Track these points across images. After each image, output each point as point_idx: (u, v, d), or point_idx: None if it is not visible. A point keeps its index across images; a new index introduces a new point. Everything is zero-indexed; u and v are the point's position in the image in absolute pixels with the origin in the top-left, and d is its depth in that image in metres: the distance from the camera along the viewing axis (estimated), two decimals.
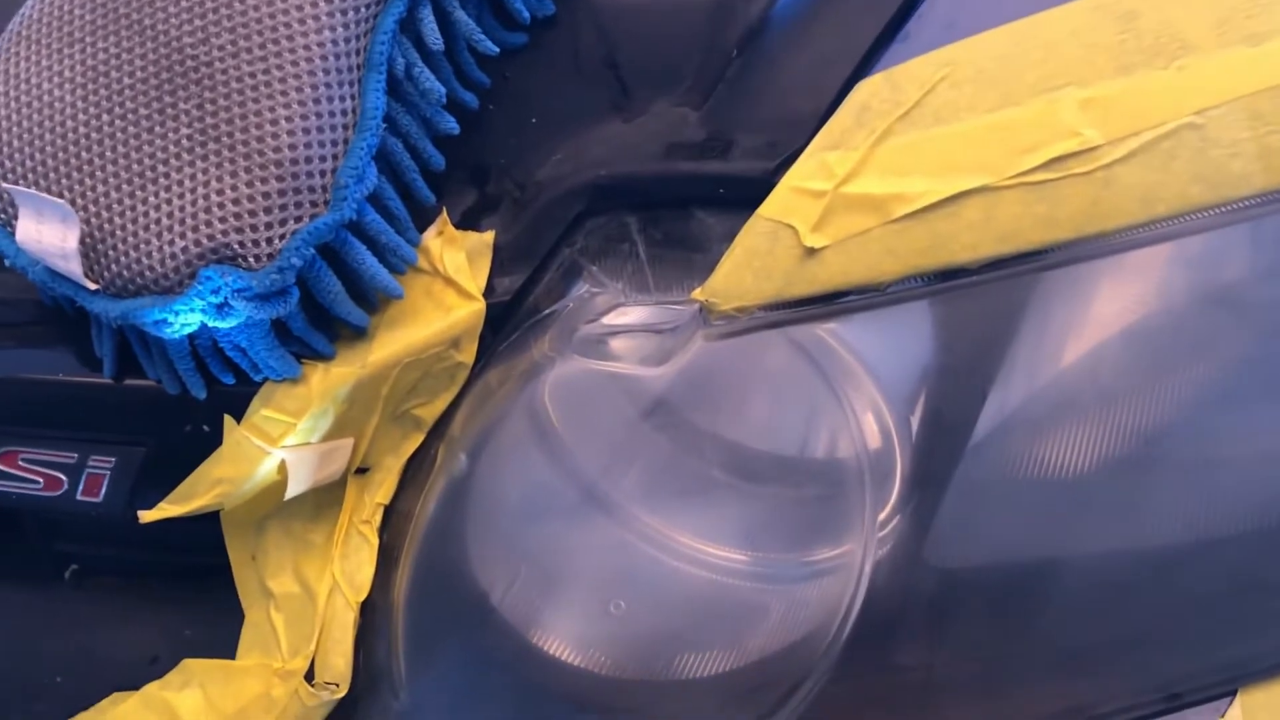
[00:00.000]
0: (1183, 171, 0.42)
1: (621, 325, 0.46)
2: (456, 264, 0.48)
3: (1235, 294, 0.44)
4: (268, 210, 0.42)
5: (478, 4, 0.48)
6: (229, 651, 0.50)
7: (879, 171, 0.43)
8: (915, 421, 0.45)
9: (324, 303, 0.45)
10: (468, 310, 0.48)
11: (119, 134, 0.44)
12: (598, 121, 0.49)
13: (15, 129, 0.45)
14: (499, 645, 0.47)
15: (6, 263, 0.46)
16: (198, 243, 0.42)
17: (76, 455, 0.49)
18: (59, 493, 0.49)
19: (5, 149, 0.45)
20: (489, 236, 0.49)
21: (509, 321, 0.49)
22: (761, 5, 0.48)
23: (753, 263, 0.43)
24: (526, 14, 0.48)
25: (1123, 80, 0.42)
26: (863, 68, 0.45)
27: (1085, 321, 0.44)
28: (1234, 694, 0.45)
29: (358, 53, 0.45)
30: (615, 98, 0.49)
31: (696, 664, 0.46)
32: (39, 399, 0.50)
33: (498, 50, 0.48)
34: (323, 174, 0.43)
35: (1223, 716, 0.45)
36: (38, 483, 0.49)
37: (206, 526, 0.49)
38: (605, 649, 0.47)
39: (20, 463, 0.49)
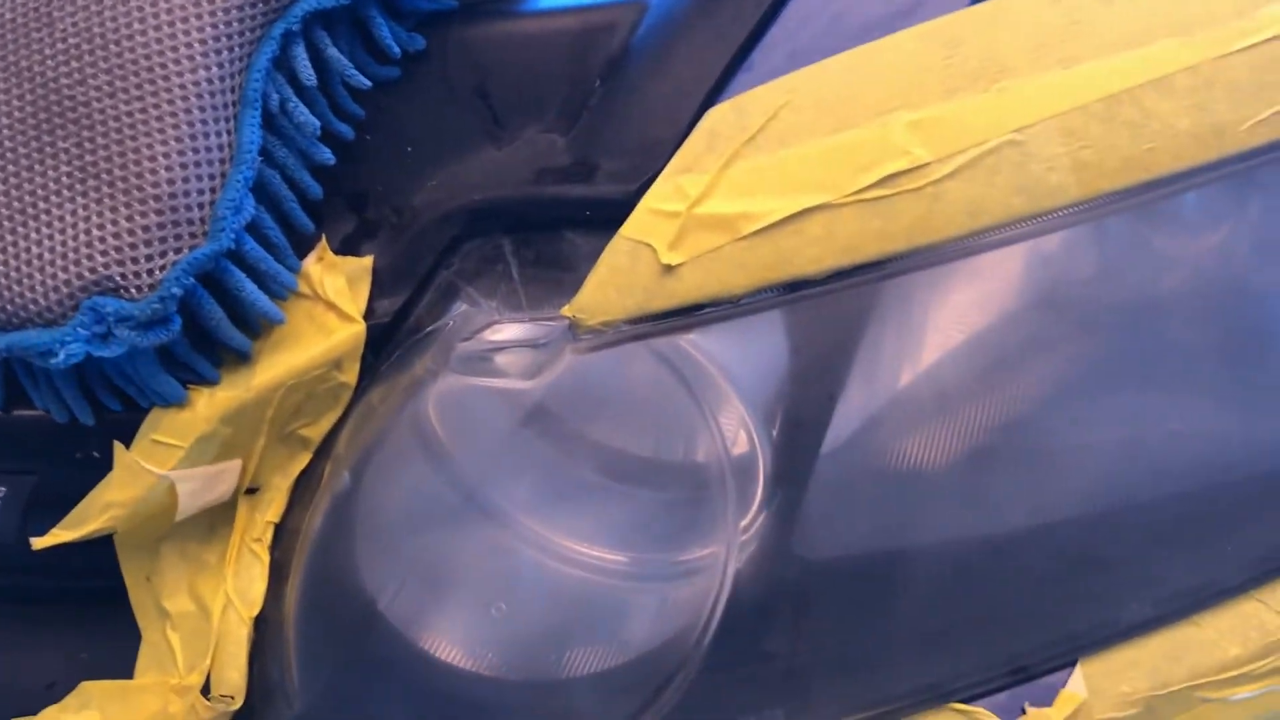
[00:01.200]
0: (1005, 185, 0.46)
1: (497, 342, 0.49)
2: (337, 288, 0.50)
3: (1056, 295, 0.48)
4: (148, 243, 0.44)
5: (350, 39, 0.51)
6: (127, 673, 0.52)
7: (728, 193, 0.46)
8: (775, 425, 0.48)
9: (207, 329, 0.47)
10: (349, 332, 0.50)
11: None
12: (471, 148, 0.52)
13: None
14: (387, 651, 0.49)
15: None
16: (80, 275, 0.44)
17: None
18: None
19: None
20: (368, 261, 0.51)
21: (390, 341, 0.51)
22: (622, 36, 0.51)
23: (616, 280, 0.46)
24: (397, 49, 0.51)
25: (948, 102, 0.46)
26: (713, 95, 0.48)
27: (923, 326, 0.48)
28: (1074, 664, 0.49)
29: (233, 90, 0.46)
30: (487, 125, 0.52)
31: (577, 662, 0.49)
32: None
33: (370, 84, 0.50)
34: (201, 206, 0.45)
35: (1065, 687, 0.49)
36: None
37: (100, 551, 0.50)
38: (489, 651, 0.49)
39: None
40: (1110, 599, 0.49)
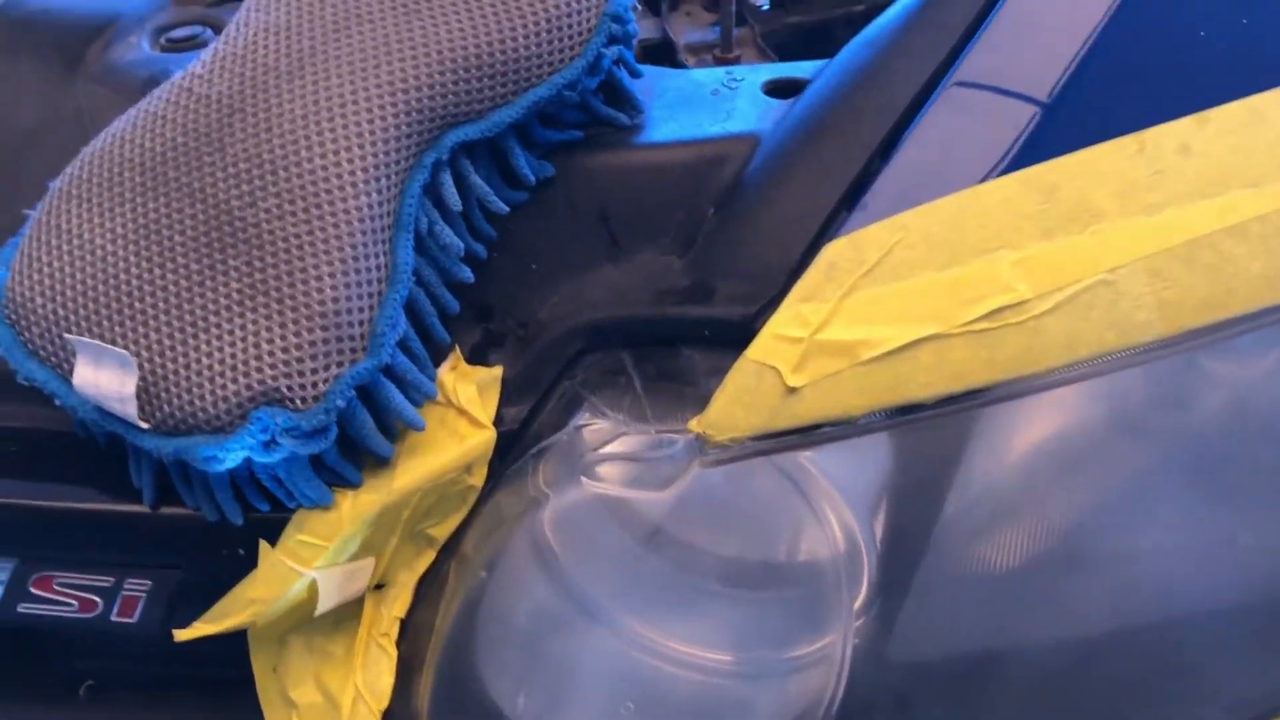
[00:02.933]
0: (1099, 320, 0.50)
1: (623, 453, 0.52)
2: (469, 396, 0.53)
3: (1140, 421, 0.52)
4: (313, 357, 0.47)
5: (487, 167, 0.55)
6: None
7: (847, 321, 0.50)
8: (879, 534, 0.51)
9: (355, 436, 0.50)
10: (480, 438, 0.53)
11: (171, 287, 0.49)
12: (591, 268, 0.55)
13: (70, 281, 0.50)
14: None
15: (57, 403, 0.50)
16: (249, 387, 0.47)
17: (113, 579, 0.52)
18: (93, 614, 0.53)
19: (60, 300, 0.49)
20: (497, 370, 0.54)
21: (515, 447, 0.54)
22: (735, 168, 0.55)
23: (743, 399, 0.49)
24: (532, 176, 0.54)
25: (1046, 243, 0.50)
26: (825, 229, 0.52)
27: (1020, 447, 0.51)
28: None
29: (389, 214, 0.50)
30: (606, 247, 0.56)
31: None
32: (73, 525, 0.53)
33: (507, 209, 0.54)
34: (361, 323, 0.48)
35: None
36: (72, 605, 0.53)
37: (226, 641, 0.53)
38: None
39: (55, 586, 0.53)
40: (1189, 704, 0.52)
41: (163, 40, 0.65)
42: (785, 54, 0.75)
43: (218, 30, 0.66)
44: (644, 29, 0.76)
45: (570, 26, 0.53)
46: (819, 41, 0.76)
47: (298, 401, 0.47)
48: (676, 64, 0.76)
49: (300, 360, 0.47)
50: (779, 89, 0.59)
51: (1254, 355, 0.53)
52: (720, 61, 0.73)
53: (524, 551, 0.52)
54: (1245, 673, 0.53)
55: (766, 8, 0.76)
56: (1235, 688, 0.53)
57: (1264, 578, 0.54)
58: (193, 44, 0.64)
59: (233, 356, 0.47)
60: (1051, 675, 0.52)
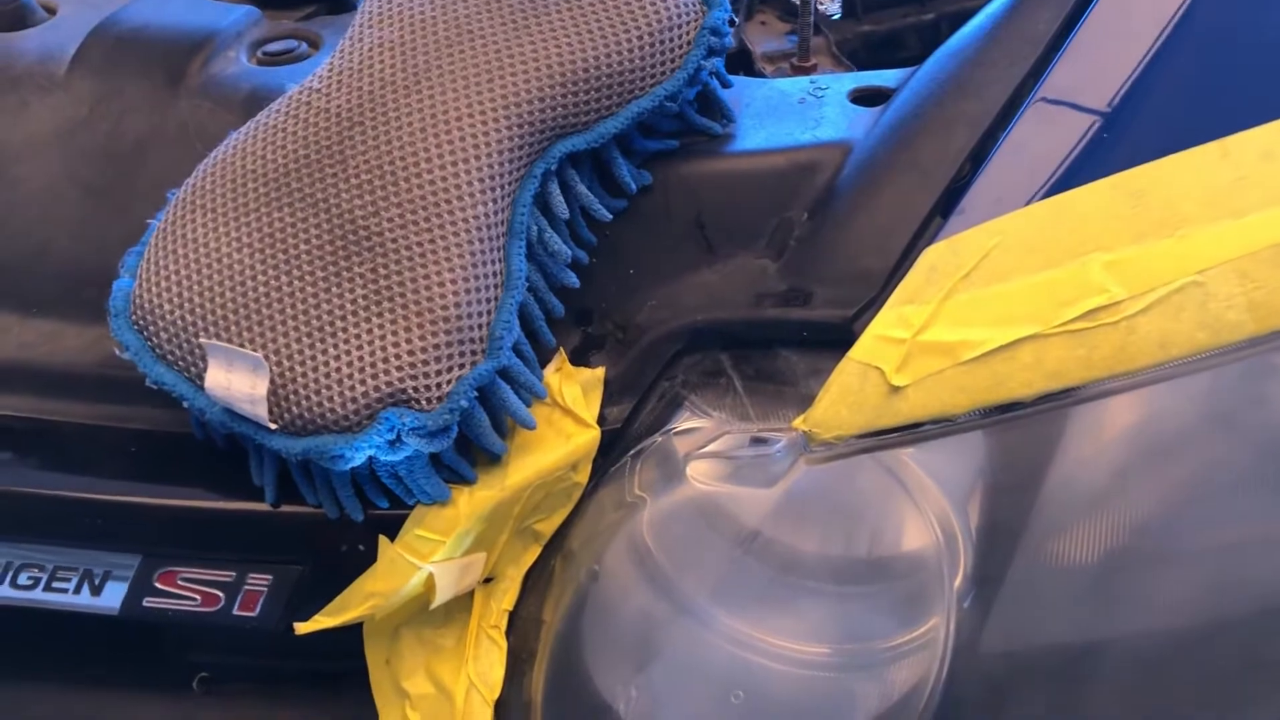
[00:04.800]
0: (1190, 320, 0.51)
1: (726, 451, 0.54)
2: (574, 396, 0.55)
3: (1232, 416, 0.54)
4: (437, 360, 0.49)
5: (590, 175, 0.56)
6: None
7: (948, 322, 0.51)
8: (975, 528, 0.53)
9: (472, 435, 0.52)
10: (586, 437, 0.55)
11: (298, 293, 0.50)
12: (687, 272, 0.57)
13: (197, 287, 0.52)
14: None
15: (185, 405, 0.52)
16: (377, 388, 0.49)
17: (234, 574, 0.54)
18: (215, 609, 0.54)
19: (188, 306, 0.51)
20: (600, 372, 0.56)
21: (617, 446, 0.56)
22: (827, 175, 0.57)
23: (847, 399, 0.51)
24: (634, 185, 0.56)
25: (1137, 246, 0.52)
26: (920, 233, 0.54)
27: (1115, 442, 0.53)
28: None
29: (503, 223, 0.52)
30: (702, 252, 0.58)
31: None
32: (195, 523, 0.55)
33: (610, 217, 0.56)
34: (480, 327, 0.50)
35: None
36: (195, 599, 0.55)
37: (339, 634, 0.55)
38: None
39: (179, 582, 0.55)
40: (1275, 695, 0.54)
41: (259, 54, 0.67)
42: (856, 61, 0.77)
43: (311, 43, 0.68)
44: None
45: (672, 40, 0.55)
46: (889, 49, 0.78)
47: (423, 402, 0.49)
48: (753, 72, 0.77)
49: (425, 363, 0.49)
50: (865, 97, 0.61)
51: None
52: (798, 70, 0.74)
53: (626, 552, 0.54)
54: None
55: (838, 16, 0.78)
56: None
57: None
58: (289, 57, 0.66)
59: (360, 359, 0.49)
60: (1144, 667, 0.53)
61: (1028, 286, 0.52)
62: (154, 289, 0.52)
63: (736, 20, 0.78)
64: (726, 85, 0.60)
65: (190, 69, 0.65)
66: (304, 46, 0.67)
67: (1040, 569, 0.53)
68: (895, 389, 0.51)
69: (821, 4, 0.78)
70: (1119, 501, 0.53)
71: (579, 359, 0.57)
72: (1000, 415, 0.52)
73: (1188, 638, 0.53)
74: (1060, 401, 0.52)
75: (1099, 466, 0.53)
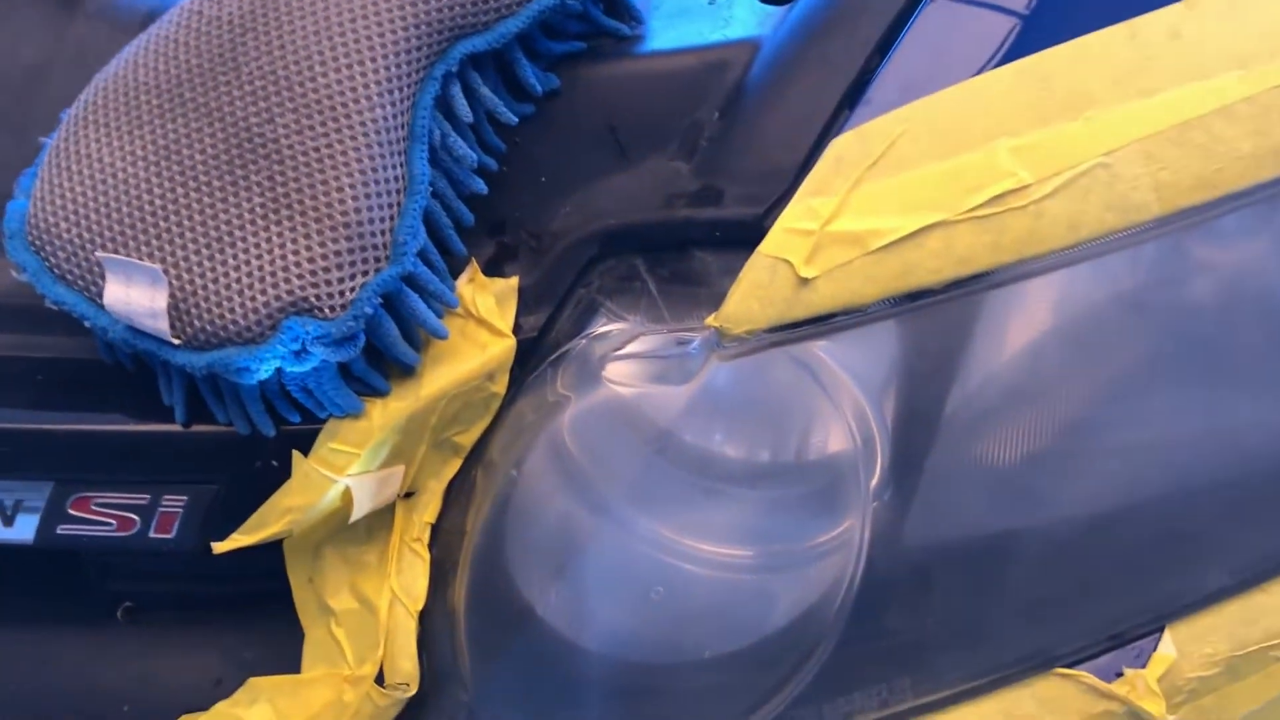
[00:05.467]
0: (1098, 202, 0.51)
1: (642, 351, 0.53)
2: (487, 306, 0.55)
3: (1141, 298, 0.54)
4: (339, 266, 0.48)
5: (494, 80, 0.55)
6: (290, 669, 0.55)
7: (856, 212, 0.51)
8: (891, 419, 0.53)
9: (381, 346, 0.51)
10: (501, 346, 0.54)
11: (195, 205, 0.49)
12: (600, 177, 0.57)
13: (93, 204, 0.50)
14: (546, 645, 0.53)
15: (86, 324, 0.51)
16: (278, 297, 0.48)
17: (149, 496, 0.54)
18: (131, 532, 0.54)
19: (85, 223, 0.50)
20: (514, 281, 0.55)
21: (535, 354, 0.56)
22: (736, 74, 0.56)
23: (757, 293, 0.51)
24: (539, 87, 0.55)
25: (1044, 130, 0.52)
26: (830, 126, 0.53)
27: (1027, 328, 0.53)
28: (1163, 630, 0.54)
29: (403, 126, 0.51)
30: (614, 156, 0.57)
31: (723, 644, 0.53)
32: (107, 447, 0.54)
33: (516, 120, 0.55)
34: (383, 233, 0.49)
35: (1156, 650, 0.54)
36: (111, 524, 0.54)
37: (260, 555, 0.54)
38: (639, 640, 0.54)
39: (93, 507, 0.54)
40: (1192, 569, 0.55)
41: None
42: None
43: None
44: None
45: None
46: None
47: (326, 310, 0.48)
48: None
49: (327, 270, 0.48)
50: None
51: (1246, 236, 0.55)
52: None
53: (546, 455, 0.54)
54: (1248, 537, 0.55)
55: None
56: (1236, 552, 0.55)
57: (1260, 449, 0.56)
58: None
59: (260, 269, 0.48)
60: (1062, 549, 0.54)
61: (935, 173, 0.51)
62: (49, 207, 0.51)
63: None
64: None
65: None
66: None
67: (958, 458, 0.53)
68: (805, 281, 0.51)
69: None
70: (1034, 387, 0.54)
71: (493, 270, 0.57)
72: (910, 304, 0.52)
73: (1103, 519, 0.54)
74: (970, 288, 0.52)
75: (1013, 352, 0.53)
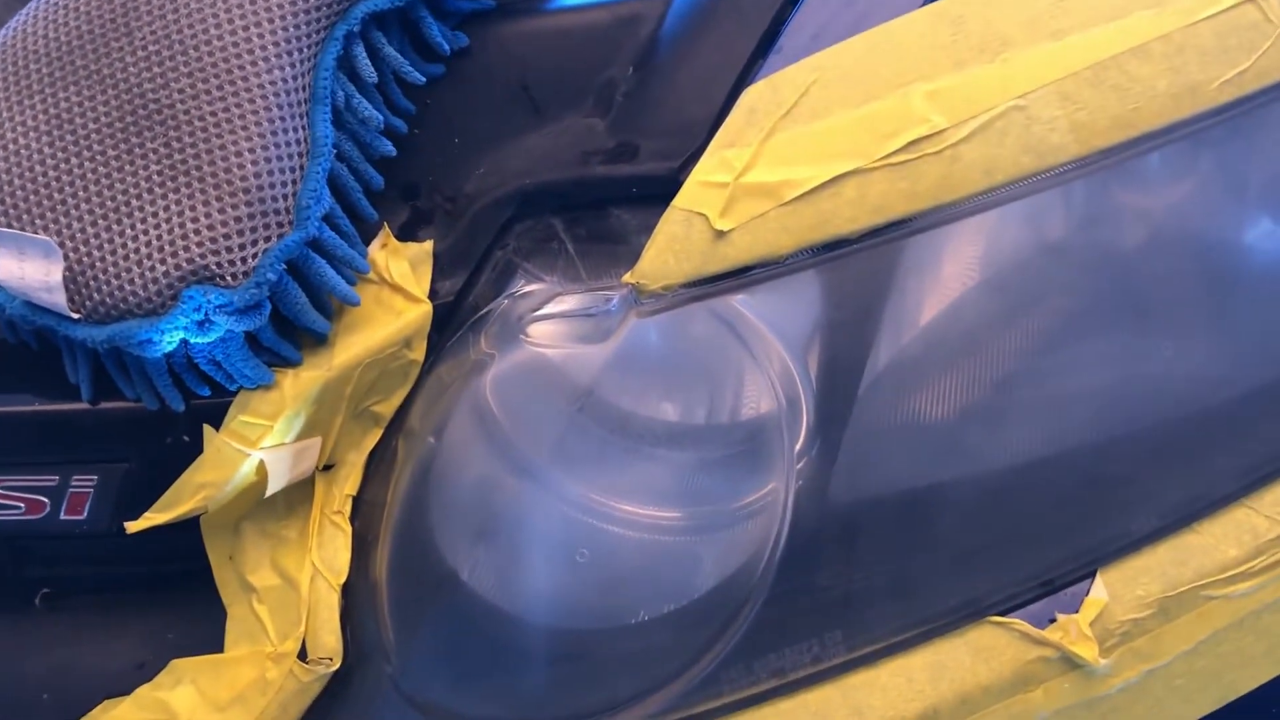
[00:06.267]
0: (1014, 145, 0.51)
1: (561, 311, 0.52)
2: (401, 271, 0.54)
3: (1062, 242, 0.53)
4: (240, 233, 0.47)
5: (400, 40, 0.54)
6: (214, 649, 0.54)
7: (770, 163, 0.50)
8: (814, 372, 0.53)
9: (289, 314, 0.50)
10: (416, 313, 0.53)
11: (89, 174, 0.48)
12: (515, 136, 0.55)
13: None
14: (471, 613, 0.52)
15: None
16: (178, 266, 0.47)
17: (58, 477, 0.52)
18: (41, 515, 0.52)
19: None
20: (428, 245, 0.54)
21: (453, 319, 0.54)
22: (650, 26, 0.56)
23: (673, 247, 0.50)
24: (446, 46, 0.54)
25: (958, 73, 0.51)
26: (744, 77, 0.53)
27: (944, 277, 0.53)
28: (1095, 574, 0.54)
29: (304, 89, 0.50)
30: (528, 115, 0.56)
31: (650, 606, 0.52)
32: (10, 428, 0.53)
33: (424, 80, 0.54)
34: (285, 198, 0.48)
35: (1089, 594, 0.54)
36: (19, 507, 0.52)
37: (178, 535, 0.53)
38: (563, 609, 0.53)
39: (0, 490, 0.52)
40: (1121, 514, 0.55)
41: None
42: None
43: None
44: None
45: None
46: None
47: (228, 278, 0.47)
48: None
49: (227, 237, 0.47)
50: None
51: (1163, 175, 0.54)
52: None
53: (467, 418, 0.53)
54: (1174, 480, 0.55)
55: None
56: (1164, 494, 0.55)
57: (1188, 390, 0.56)
58: None
59: (159, 238, 0.47)
60: (990, 498, 0.54)
61: (849, 121, 0.51)
62: None
63: None
64: None
65: None
66: None
67: (883, 410, 0.53)
68: (720, 234, 0.50)
69: None
70: (957, 335, 0.53)
71: (408, 234, 0.55)
72: (828, 254, 0.51)
73: (1031, 467, 0.53)
74: (888, 236, 0.51)
75: (934, 301, 0.53)
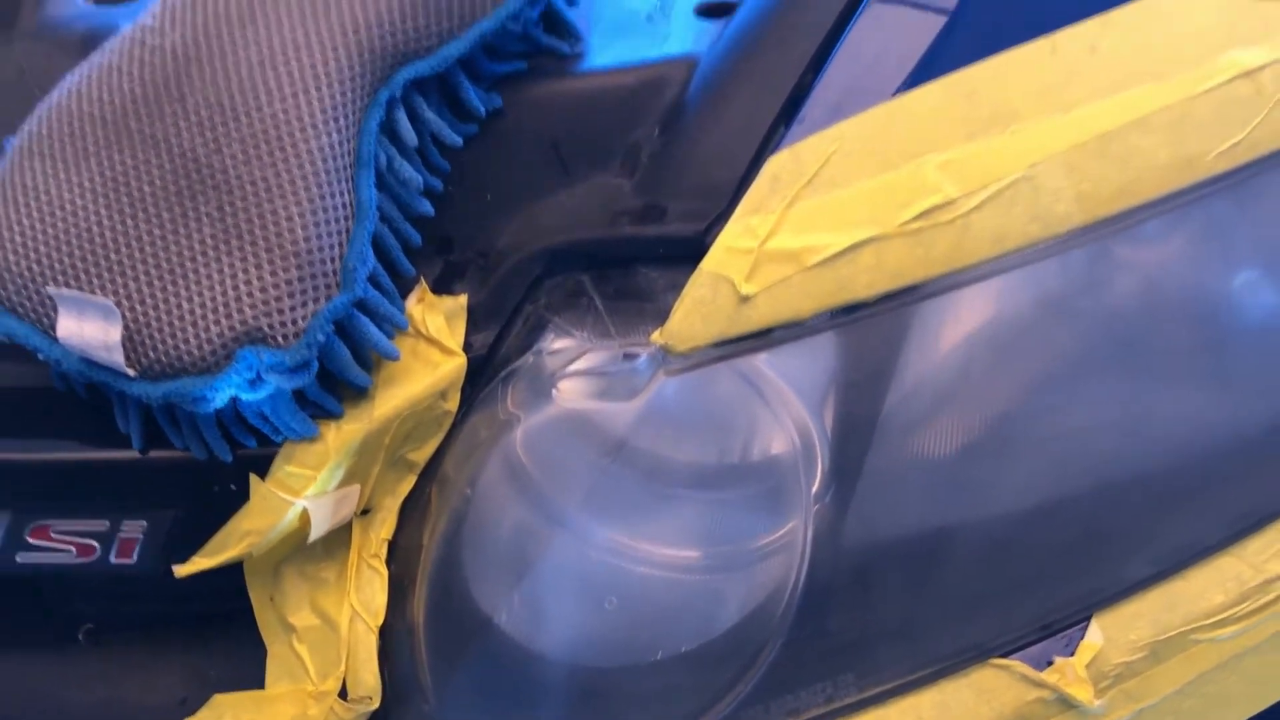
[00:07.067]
0: (1022, 214, 0.54)
1: (589, 369, 0.55)
2: (437, 325, 0.56)
3: (1064, 303, 0.56)
4: (290, 295, 0.49)
5: (438, 102, 0.56)
6: (254, 686, 0.57)
7: (792, 230, 0.53)
8: (830, 426, 0.55)
9: (334, 370, 0.52)
10: (452, 365, 0.55)
11: (145, 237, 0.50)
12: (545, 194, 0.58)
13: (42, 237, 0.51)
14: (504, 654, 0.55)
15: (40, 357, 0.51)
16: (232, 327, 0.49)
17: (108, 523, 0.54)
18: (92, 559, 0.55)
19: (35, 256, 0.51)
20: (463, 299, 0.57)
21: (485, 371, 0.57)
22: (674, 92, 0.58)
23: (700, 310, 0.53)
24: (482, 109, 0.57)
25: (970, 145, 0.54)
26: (766, 143, 0.55)
27: (958, 336, 0.55)
28: (1090, 619, 0.57)
29: (349, 153, 0.52)
30: (558, 174, 0.58)
31: (675, 644, 0.55)
32: (64, 475, 0.55)
33: (460, 142, 0.56)
34: (333, 260, 0.50)
35: (1084, 638, 0.57)
36: (70, 551, 0.55)
37: (220, 576, 0.55)
38: (590, 648, 0.56)
39: (52, 535, 0.54)
40: (1116, 561, 0.58)
41: None
42: None
43: None
44: None
45: None
46: None
47: (279, 339, 0.49)
48: None
49: (279, 299, 0.49)
50: (710, 11, 0.62)
51: (1162, 239, 0.57)
52: None
53: (500, 471, 0.55)
54: (1166, 530, 0.58)
55: None
56: (1157, 543, 0.58)
57: (1178, 444, 0.59)
58: None
59: (213, 299, 0.49)
60: (995, 546, 0.57)
61: (867, 190, 0.53)
62: None
63: None
64: (572, 3, 0.61)
65: (23, 11, 0.63)
66: None
67: (894, 461, 0.56)
68: (745, 298, 0.53)
69: None
70: (965, 392, 0.56)
71: (442, 288, 0.58)
72: (846, 317, 0.54)
73: (1033, 516, 0.56)
74: (903, 300, 0.54)
75: (944, 360, 0.56)
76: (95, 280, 0.50)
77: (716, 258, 0.53)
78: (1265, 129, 0.57)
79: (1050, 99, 0.55)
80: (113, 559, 0.54)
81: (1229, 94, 0.56)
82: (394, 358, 0.54)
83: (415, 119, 0.55)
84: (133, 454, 0.54)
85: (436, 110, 0.56)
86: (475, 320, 0.57)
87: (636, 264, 0.57)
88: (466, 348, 0.56)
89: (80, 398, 0.54)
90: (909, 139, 0.54)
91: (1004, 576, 0.57)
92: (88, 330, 0.49)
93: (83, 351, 0.50)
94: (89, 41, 0.61)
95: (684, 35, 0.60)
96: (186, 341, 0.49)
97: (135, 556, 0.54)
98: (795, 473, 0.54)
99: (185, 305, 0.49)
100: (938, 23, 0.56)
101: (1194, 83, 0.56)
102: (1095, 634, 0.57)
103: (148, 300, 0.49)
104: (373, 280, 0.53)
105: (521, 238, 0.58)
